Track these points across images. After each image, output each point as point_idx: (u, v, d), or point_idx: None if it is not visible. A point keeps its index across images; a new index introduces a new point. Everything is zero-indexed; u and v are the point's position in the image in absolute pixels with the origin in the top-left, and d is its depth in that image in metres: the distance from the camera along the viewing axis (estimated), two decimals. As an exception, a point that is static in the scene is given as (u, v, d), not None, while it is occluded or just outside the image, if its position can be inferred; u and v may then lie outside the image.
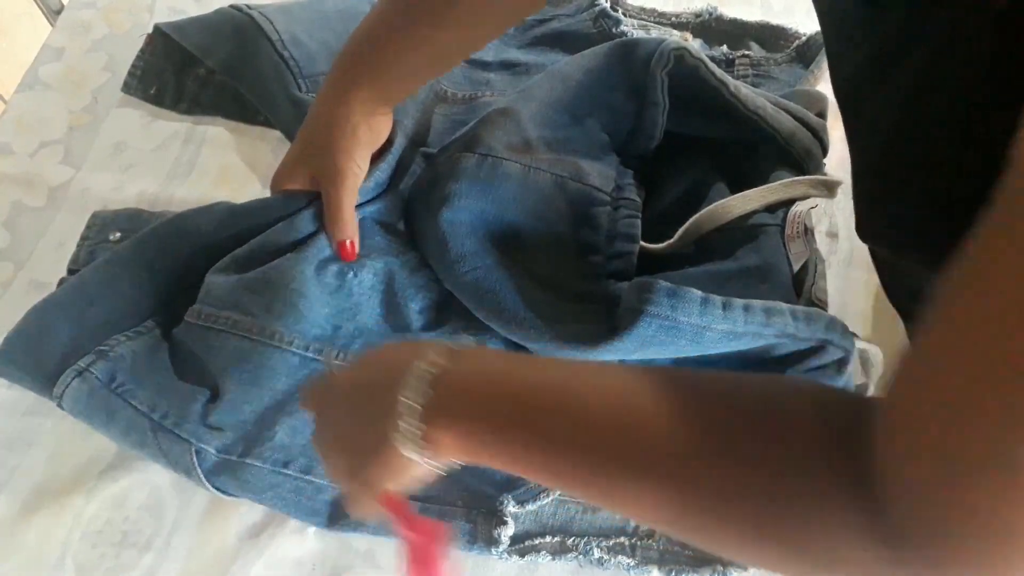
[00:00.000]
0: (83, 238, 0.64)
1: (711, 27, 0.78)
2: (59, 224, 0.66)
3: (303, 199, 0.61)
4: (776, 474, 0.32)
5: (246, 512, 0.54)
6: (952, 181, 0.35)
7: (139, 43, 0.75)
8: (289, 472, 0.54)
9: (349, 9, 0.75)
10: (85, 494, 0.55)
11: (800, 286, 0.58)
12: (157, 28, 0.73)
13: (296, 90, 0.68)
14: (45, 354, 0.55)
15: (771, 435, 0.33)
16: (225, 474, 0.53)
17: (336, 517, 0.53)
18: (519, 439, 0.38)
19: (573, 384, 0.39)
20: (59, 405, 0.54)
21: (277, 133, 0.71)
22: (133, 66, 0.73)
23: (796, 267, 0.58)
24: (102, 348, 0.55)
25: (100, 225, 0.64)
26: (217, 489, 0.54)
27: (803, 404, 0.34)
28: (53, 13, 0.85)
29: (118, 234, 0.64)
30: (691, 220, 0.60)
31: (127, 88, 0.73)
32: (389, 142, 0.63)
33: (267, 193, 0.68)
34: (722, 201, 0.60)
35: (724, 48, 0.76)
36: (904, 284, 0.50)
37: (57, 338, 0.55)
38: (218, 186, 0.68)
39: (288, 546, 0.53)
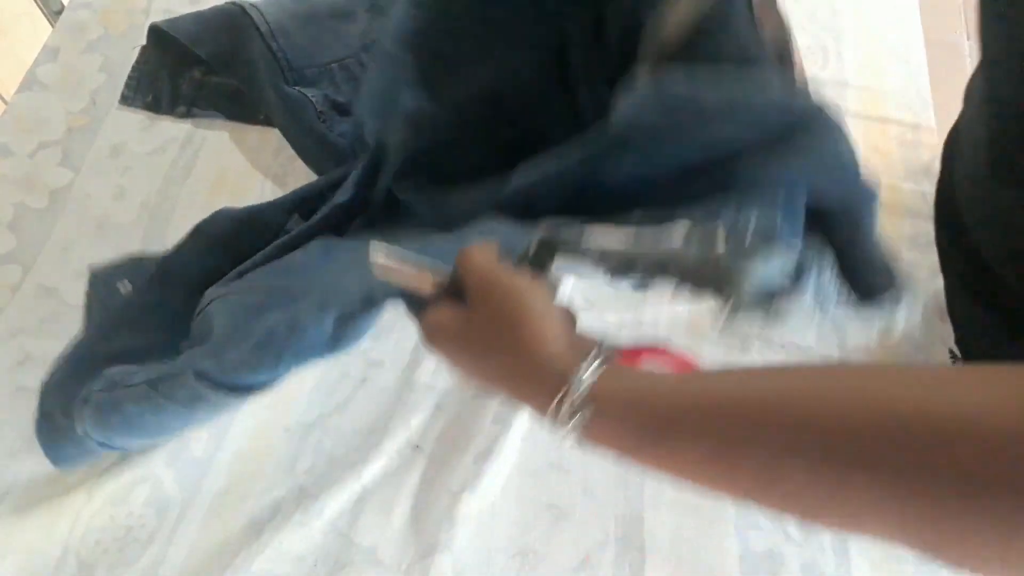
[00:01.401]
0: (89, 299, 0.62)
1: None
2: (63, 227, 0.66)
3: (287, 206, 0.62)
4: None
5: (249, 507, 0.54)
6: None
7: (135, 47, 0.74)
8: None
9: (340, 6, 0.75)
10: (87, 491, 0.55)
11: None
12: (151, 29, 0.73)
13: (283, 83, 0.68)
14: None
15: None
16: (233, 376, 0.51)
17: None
18: (689, 439, 0.35)
19: (756, 383, 0.35)
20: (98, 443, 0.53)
21: (276, 134, 0.71)
22: (129, 78, 0.73)
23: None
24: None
25: (103, 282, 0.62)
26: (243, 390, 0.52)
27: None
28: (53, 14, 0.84)
29: (127, 283, 0.62)
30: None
31: (125, 100, 0.72)
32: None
33: (264, 192, 0.69)
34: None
35: None
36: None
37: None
38: (217, 189, 0.68)
39: (290, 541, 0.53)
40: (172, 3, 0.80)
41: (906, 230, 0.67)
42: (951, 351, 0.62)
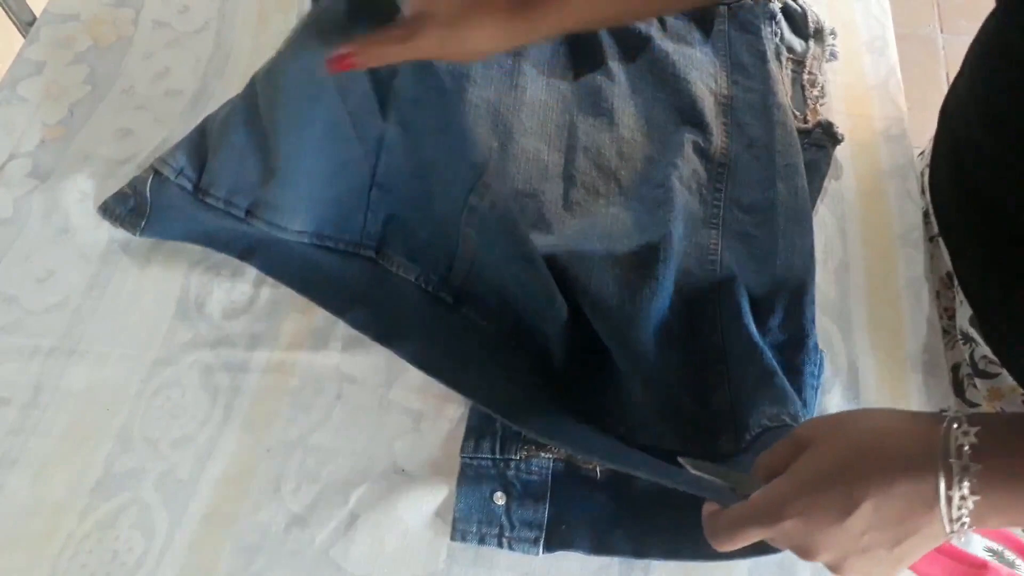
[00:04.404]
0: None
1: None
2: (26, 236, 0.62)
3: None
4: None
5: (238, 532, 0.51)
6: None
7: (122, 58, 0.71)
8: None
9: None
10: (74, 514, 0.51)
11: None
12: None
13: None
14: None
15: None
16: None
17: None
18: None
19: None
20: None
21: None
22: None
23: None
24: None
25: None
26: None
27: None
28: (25, 24, 0.80)
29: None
30: None
31: (105, 212, 0.62)
32: None
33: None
34: None
35: None
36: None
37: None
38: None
39: (280, 569, 0.50)
40: (161, 14, 0.75)
41: (896, 228, 0.64)
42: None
